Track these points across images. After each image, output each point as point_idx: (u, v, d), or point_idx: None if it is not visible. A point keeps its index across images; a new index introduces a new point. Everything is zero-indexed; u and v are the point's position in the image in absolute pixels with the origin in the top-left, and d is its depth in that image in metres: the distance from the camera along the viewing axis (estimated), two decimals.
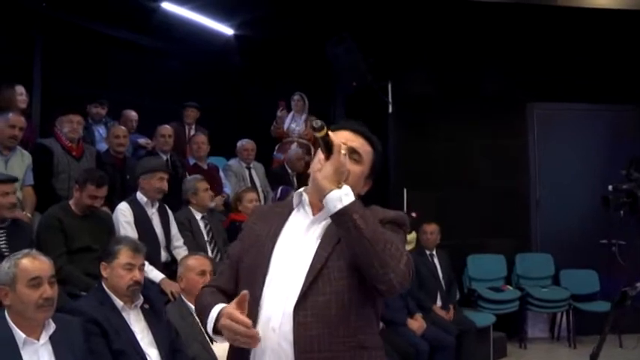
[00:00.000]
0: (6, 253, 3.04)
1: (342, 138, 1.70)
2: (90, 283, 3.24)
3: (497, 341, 5.78)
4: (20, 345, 2.21)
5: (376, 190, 6.09)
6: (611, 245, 4.37)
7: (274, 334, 1.59)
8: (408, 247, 5.65)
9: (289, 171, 6.45)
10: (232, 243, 1.89)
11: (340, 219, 1.56)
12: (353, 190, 1.61)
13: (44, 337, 2.28)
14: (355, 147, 1.74)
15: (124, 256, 2.81)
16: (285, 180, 6.30)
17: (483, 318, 5.68)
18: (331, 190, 1.56)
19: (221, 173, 5.87)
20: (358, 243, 1.54)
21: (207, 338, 3.10)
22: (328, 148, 1.59)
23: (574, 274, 6.36)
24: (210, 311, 1.63)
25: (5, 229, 3.24)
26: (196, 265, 3.25)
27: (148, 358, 2.69)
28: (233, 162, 6.12)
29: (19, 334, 2.22)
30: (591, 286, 6.27)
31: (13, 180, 3.34)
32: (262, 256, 1.68)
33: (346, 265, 1.62)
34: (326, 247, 1.64)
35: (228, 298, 1.69)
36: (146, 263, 3.60)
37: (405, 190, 6.90)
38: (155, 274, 3.80)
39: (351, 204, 1.55)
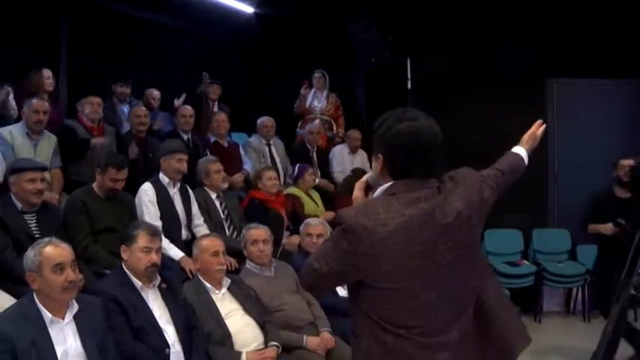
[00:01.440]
0: (37, 236, 3.23)
1: None
2: (113, 262, 3.43)
3: None
4: (48, 324, 2.41)
5: None
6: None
7: None
8: None
9: (309, 147, 6.57)
10: None
11: None
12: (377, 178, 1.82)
13: (68, 317, 2.47)
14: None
15: (142, 240, 2.97)
16: (305, 156, 6.42)
17: None
18: None
19: (241, 150, 6.00)
20: None
21: (222, 315, 3.31)
22: None
23: (591, 250, 6.36)
24: None
25: (35, 214, 3.42)
26: (210, 246, 3.38)
27: (165, 334, 2.87)
28: (253, 139, 6.23)
29: (47, 314, 2.42)
30: None
31: (39, 168, 3.48)
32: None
33: None
34: None
35: None
36: (167, 241, 3.83)
37: None
38: (175, 252, 3.98)
39: None
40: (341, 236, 1.69)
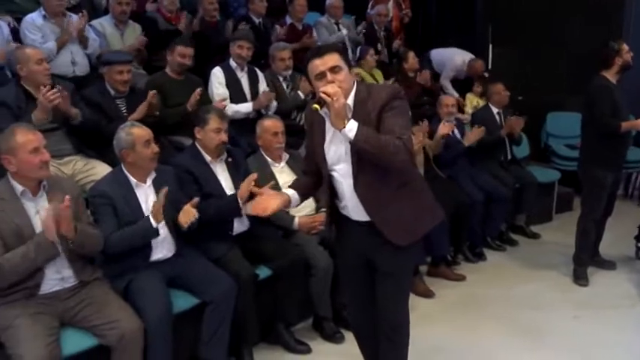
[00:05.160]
0: (127, 117, 3.84)
1: (320, 66, 2.33)
2: (180, 110, 4.16)
3: (563, 196, 6.14)
4: (134, 187, 3.05)
5: (463, 47, 6.30)
6: None
7: (351, 201, 2.46)
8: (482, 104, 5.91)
9: (376, 28, 6.81)
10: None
11: (353, 145, 2.28)
12: (349, 83, 2.36)
13: (148, 182, 3.09)
14: (332, 65, 2.33)
15: (213, 122, 3.43)
16: (372, 36, 6.69)
17: (548, 174, 6.03)
18: (341, 129, 2.24)
19: (314, 32, 6.30)
20: (368, 155, 2.28)
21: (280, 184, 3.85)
22: (325, 104, 2.23)
23: None
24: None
25: (124, 98, 4.01)
26: (270, 127, 3.81)
27: None
28: (323, 19, 6.58)
29: (132, 180, 3.05)
30: None
31: (126, 61, 4.00)
32: (321, 156, 2.47)
33: None
34: (354, 148, 2.33)
35: (310, 175, 2.68)
36: (235, 106, 4.56)
37: (490, 47, 7.01)
38: (245, 107, 4.63)
39: (355, 136, 2.23)
40: (402, 99, 2.36)
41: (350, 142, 2.28)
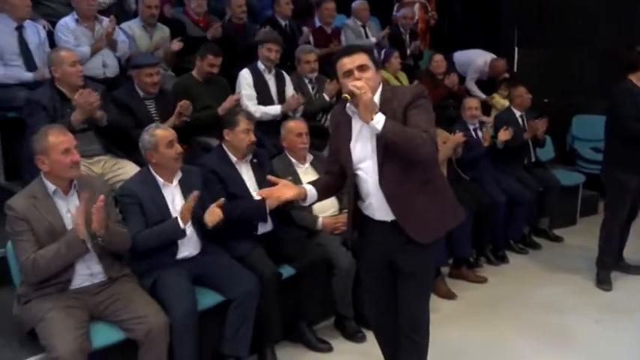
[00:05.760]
0: (155, 118, 3.97)
1: (348, 64, 2.41)
2: (212, 114, 4.26)
3: (588, 199, 6.09)
4: (161, 187, 3.14)
5: (488, 49, 6.26)
6: None
7: (375, 199, 2.51)
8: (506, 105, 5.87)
9: (402, 30, 6.83)
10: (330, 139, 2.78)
11: (381, 137, 2.36)
12: (375, 82, 2.44)
13: (175, 182, 3.18)
14: (360, 63, 2.41)
15: (242, 123, 3.50)
16: (397, 39, 6.71)
17: (572, 177, 5.99)
18: (369, 121, 2.32)
19: (342, 35, 6.36)
20: (395, 147, 2.35)
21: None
22: (354, 98, 2.34)
23: None
24: None
25: (153, 100, 4.12)
26: (295, 128, 3.88)
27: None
28: (349, 21, 6.61)
29: (160, 180, 3.14)
30: None
31: (154, 63, 4.11)
32: (347, 155, 2.53)
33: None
34: (380, 142, 2.41)
35: (332, 175, 2.71)
36: (264, 107, 4.64)
37: (516, 48, 6.97)
38: (274, 109, 4.69)
39: (383, 128, 2.31)
40: (425, 98, 2.43)
41: (377, 135, 2.35)
